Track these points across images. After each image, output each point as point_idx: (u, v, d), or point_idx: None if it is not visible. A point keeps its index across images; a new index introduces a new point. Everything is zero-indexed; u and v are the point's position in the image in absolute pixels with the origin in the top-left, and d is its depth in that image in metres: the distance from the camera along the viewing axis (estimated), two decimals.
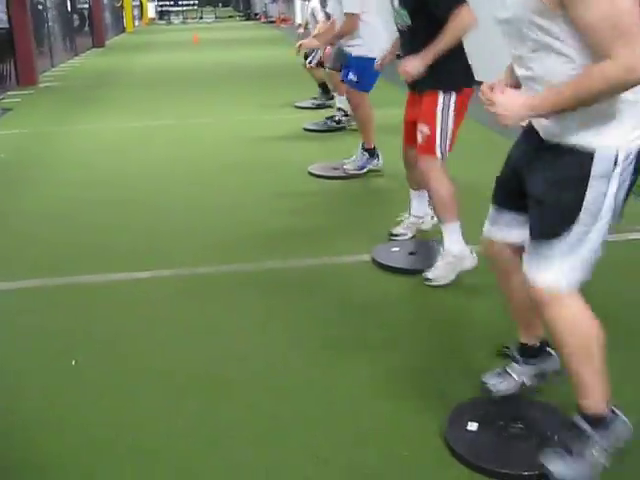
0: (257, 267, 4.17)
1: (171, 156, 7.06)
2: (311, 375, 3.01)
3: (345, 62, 6.07)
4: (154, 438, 2.62)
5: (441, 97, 3.67)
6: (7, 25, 12.82)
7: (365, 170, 5.97)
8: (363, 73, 5.64)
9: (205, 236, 4.70)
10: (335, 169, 6.12)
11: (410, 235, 4.32)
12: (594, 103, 1.93)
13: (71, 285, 4.01)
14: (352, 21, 5.48)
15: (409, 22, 3.71)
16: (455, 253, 3.78)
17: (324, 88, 9.18)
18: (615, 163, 2.02)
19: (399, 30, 3.86)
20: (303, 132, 7.93)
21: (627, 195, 2.12)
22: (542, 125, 2.15)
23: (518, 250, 2.40)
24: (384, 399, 2.81)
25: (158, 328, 3.48)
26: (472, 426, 2.53)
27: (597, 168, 2.03)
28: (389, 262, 4.07)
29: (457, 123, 3.75)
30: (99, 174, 6.40)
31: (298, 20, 28.38)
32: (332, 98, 8.75)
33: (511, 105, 2.01)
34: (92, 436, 2.64)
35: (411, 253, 4.18)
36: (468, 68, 3.78)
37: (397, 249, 4.22)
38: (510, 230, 2.43)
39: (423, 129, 3.74)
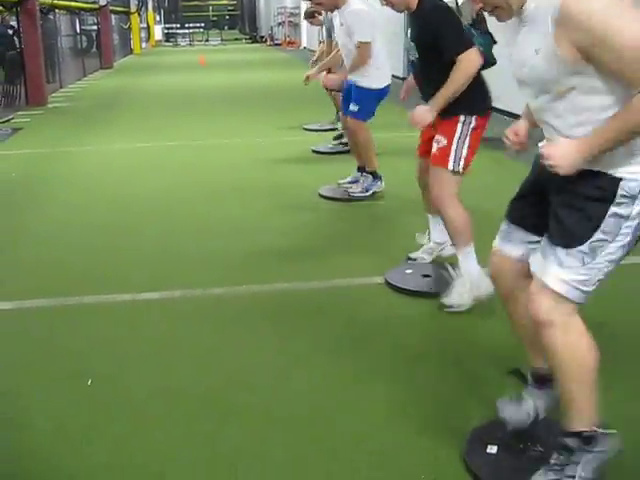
0: (268, 289, 4.16)
1: (179, 178, 7.09)
2: (324, 400, 2.99)
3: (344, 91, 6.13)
4: (164, 462, 2.60)
5: (462, 118, 3.70)
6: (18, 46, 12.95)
7: (370, 192, 6.00)
8: (364, 103, 5.74)
9: (214, 258, 4.70)
10: (345, 191, 6.15)
11: (428, 260, 4.29)
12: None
13: (81, 305, 3.99)
14: (367, 49, 5.55)
15: (416, 55, 3.81)
16: (472, 278, 3.77)
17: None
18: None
19: (411, 60, 3.92)
20: (312, 154, 7.97)
21: None
22: None
23: (525, 271, 2.40)
24: (400, 423, 2.79)
25: (167, 349, 3.47)
26: (492, 449, 2.52)
27: (622, 191, 2.06)
28: (402, 284, 4.07)
29: (473, 145, 3.75)
30: (104, 197, 6.41)
31: (304, 43, 28.64)
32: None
33: (566, 155, 2.04)
34: (104, 460, 2.62)
35: (425, 275, 4.17)
36: (486, 94, 3.79)
37: (410, 271, 4.22)
38: (520, 247, 2.45)
39: (440, 139, 3.75)
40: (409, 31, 3.85)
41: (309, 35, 26.80)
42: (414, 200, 4.95)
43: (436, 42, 3.63)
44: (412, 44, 3.79)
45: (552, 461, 2.29)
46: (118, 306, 3.98)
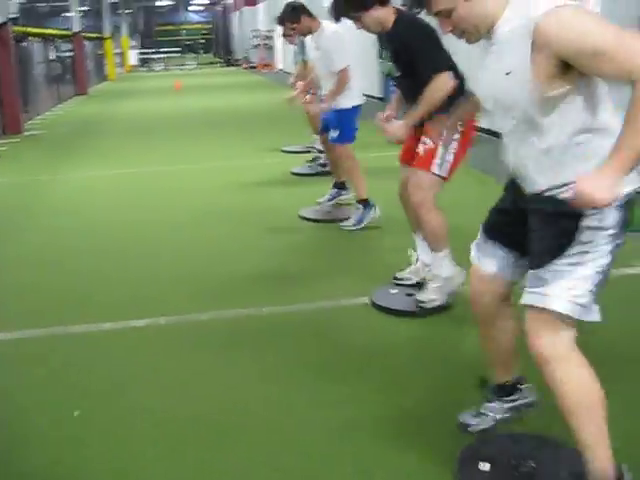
0: (253, 312, 4.15)
1: (158, 203, 7.07)
2: (314, 422, 2.98)
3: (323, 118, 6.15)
4: None
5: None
6: None
7: (364, 224, 5.68)
8: (343, 125, 5.71)
9: (198, 283, 4.68)
10: (327, 212, 6.16)
11: (415, 280, 4.26)
12: None
13: (67, 335, 3.95)
14: (347, 74, 5.54)
15: (398, 73, 3.86)
16: (445, 276, 3.92)
17: None
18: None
19: (393, 77, 3.95)
20: (291, 176, 7.98)
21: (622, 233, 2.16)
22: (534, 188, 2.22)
23: (503, 293, 2.49)
24: (391, 443, 2.79)
25: (156, 377, 3.45)
26: (484, 466, 2.53)
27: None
28: (389, 304, 4.08)
29: (459, 153, 3.78)
30: (85, 222, 6.39)
31: (280, 65, 28.75)
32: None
33: (599, 187, 1.92)
34: None
35: (409, 295, 4.17)
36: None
37: (396, 291, 4.23)
38: (495, 261, 2.48)
39: (426, 141, 3.78)
40: (385, 52, 3.88)
41: (284, 57, 26.94)
42: (394, 219, 4.99)
43: (413, 60, 3.68)
44: (389, 62, 3.83)
45: None
46: (104, 334, 3.95)
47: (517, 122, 2.18)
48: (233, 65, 37.60)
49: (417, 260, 4.33)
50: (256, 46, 32.61)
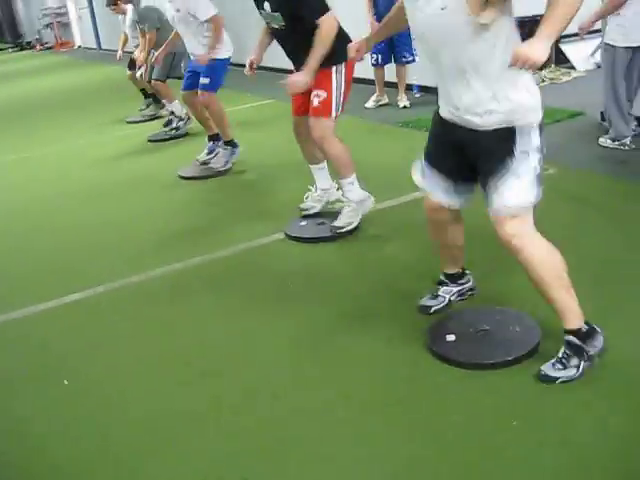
0: (182, 267, 4.35)
1: (29, 194, 6.83)
2: (288, 345, 3.33)
3: (183, 69, 6.32)
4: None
5: (334, 68, 4.11)
6: None
7: (231, 164, 6.28)
8: (215, 74, 6.02)
9: (116, 252, 4.77)
10: (204, 168, 6.40)
11: (319, 207, 4.71)
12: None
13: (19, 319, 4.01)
14: (220, 21, 5.88)
15: (283, 23, 4.13)
16: (356, 200, 4.36)
17: (154, 97, 9.29)
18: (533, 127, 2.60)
19: (274, 29, 4.25)
20: (150, 144, 8.05)
21: None
22: (472, 121, 2.62)
23: (454, 215, 3.01)
24: (361, 335, 3.24)
25: (113, 342, 3.61)
26: (450, 337, 3.01)
27: (520, 135, 2.58)
28: (302, 234, 4.49)
29: (347, 89, 4.21)
30: None
31: (79, 42, 27.76)
32: (163, 106, 8.91)
33: (535, 50, 2.26)
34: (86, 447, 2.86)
35: (320, 224, 4.59)
36: (346, 40, 4.08)
37: (305, 223, 4.63)
38: (440, 193, 2.92)
39: (320, 93, 4.13)
40: (266, 4, 4.14)
41: (83, 33, 26.13)
42: (272, 165, 5.38)
43: (297, 11, 4.00)
44: (274, 14, 4.10)
45: (559, 355, 2.70)
46: (48, 313, 4.03)
47: (453, 57, 2.50)
48: (25, 49, 35.75)
49: (316, 189, 4.76)
50: (48, 25, 31.22)
